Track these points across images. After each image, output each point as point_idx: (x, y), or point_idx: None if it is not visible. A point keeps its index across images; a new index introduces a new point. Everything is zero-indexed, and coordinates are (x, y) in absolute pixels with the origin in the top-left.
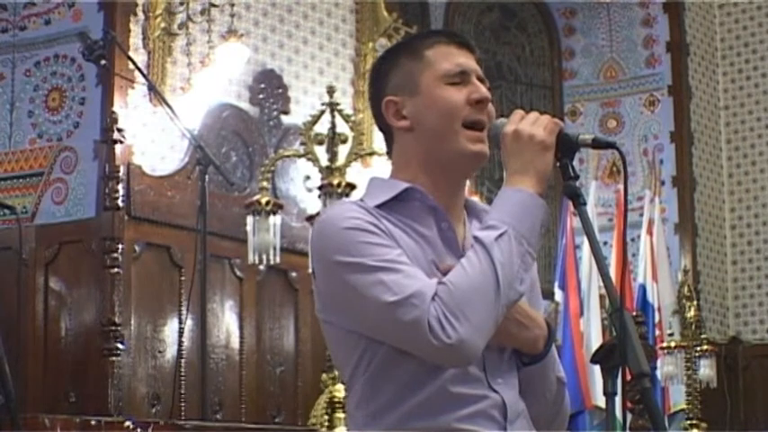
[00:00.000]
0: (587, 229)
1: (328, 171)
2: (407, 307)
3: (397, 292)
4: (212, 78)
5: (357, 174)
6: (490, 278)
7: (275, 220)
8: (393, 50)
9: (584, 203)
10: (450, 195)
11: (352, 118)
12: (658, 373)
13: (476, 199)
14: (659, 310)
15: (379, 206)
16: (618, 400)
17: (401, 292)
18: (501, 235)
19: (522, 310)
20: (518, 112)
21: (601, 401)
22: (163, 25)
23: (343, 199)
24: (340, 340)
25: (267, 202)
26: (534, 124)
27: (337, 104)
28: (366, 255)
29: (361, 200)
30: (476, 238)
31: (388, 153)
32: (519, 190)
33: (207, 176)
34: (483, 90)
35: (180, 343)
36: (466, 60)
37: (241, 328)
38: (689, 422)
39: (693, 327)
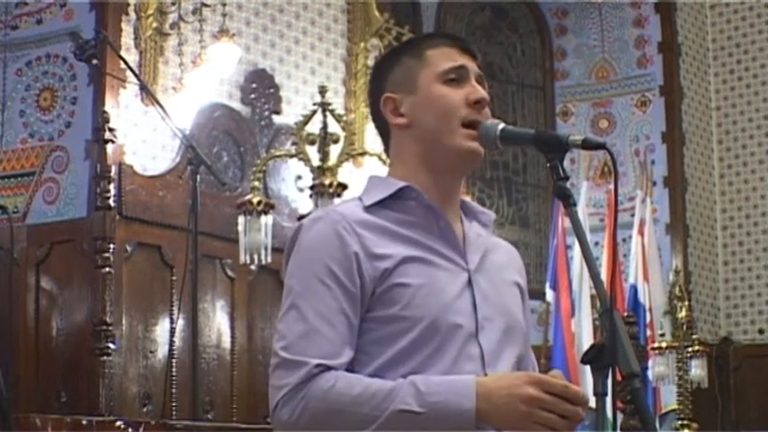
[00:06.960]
0: (577, 229)
1: (320, 171)
2: (286, 368)
3: (293, 344)
4: (204, 78)
5: (349, 174)
6: (360, 424)
7: (267, 219)
8: (395, 49)
9: (575, 204)
10: (446, 194)
11: (344, 118)
12: (650, 373)
13: (468, 199)
14: (650, 310)
15: (375, 204)
16: (608, 400)
17: (294, 350)
18: (418, 414)
19: None
20: (557, 383)
21: (591, 402)
22: (154, 25)
23: (341, 202)
24: None
25: (258, 202)
26: (545, 419)
27: (329, 104)
28: (304, 294)
29: (360, 198)
30: (402, 396)
31: (386, 150)
32: (471, 411)
33: (198, 176)
34: (481, 91)
35: (171, 343)
36: (466, 61)
37: (232, 327)
38: (680, 422)
39: (685, 327)
